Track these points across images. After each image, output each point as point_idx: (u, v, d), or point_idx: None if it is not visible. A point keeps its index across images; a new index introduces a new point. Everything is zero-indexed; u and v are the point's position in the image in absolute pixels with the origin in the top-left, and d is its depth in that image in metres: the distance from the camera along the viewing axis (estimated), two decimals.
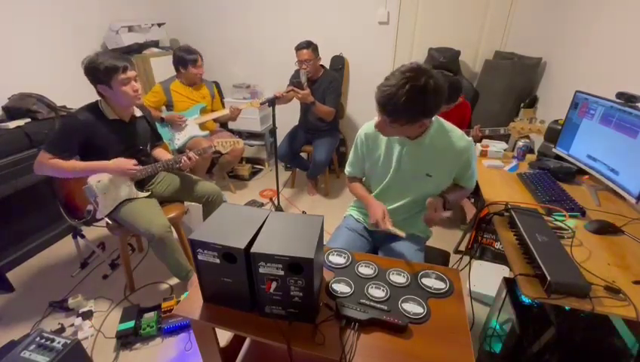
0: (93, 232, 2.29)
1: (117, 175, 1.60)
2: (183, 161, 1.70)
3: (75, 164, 1.52)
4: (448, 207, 1.22)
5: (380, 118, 1.07)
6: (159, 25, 3.11)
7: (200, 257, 0.85)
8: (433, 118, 1.17)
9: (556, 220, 1.15)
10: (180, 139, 2.48)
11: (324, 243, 1.05)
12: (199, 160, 1.76)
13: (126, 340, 1.54)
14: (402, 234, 1.11)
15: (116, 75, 1.46)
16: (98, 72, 1.44)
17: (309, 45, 2.43)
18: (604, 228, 1.15)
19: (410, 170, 1.23)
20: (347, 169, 1.41)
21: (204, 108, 2.59)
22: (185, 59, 2.39)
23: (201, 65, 2.47)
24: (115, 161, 1.56)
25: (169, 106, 2.53)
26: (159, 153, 1.85)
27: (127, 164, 1.58)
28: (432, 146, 1.18)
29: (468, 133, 1.97)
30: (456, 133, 1.19)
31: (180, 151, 2.45)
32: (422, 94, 0.95)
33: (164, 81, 2.51)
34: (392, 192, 1.30)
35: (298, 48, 2.44)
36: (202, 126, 2.58)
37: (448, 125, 1.21)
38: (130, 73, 1.50)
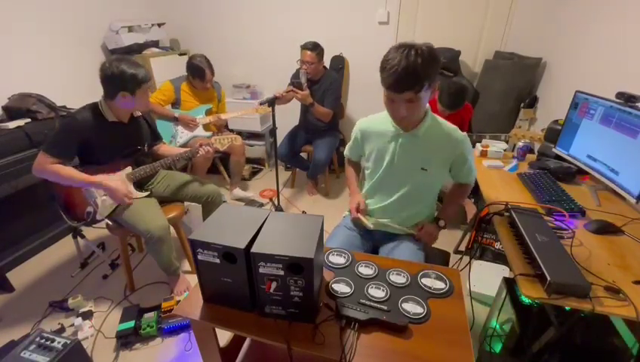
0: (93, 232, 2.29)
1: (110, 195, 1.59)
2: (200, 151, 1.75)
3: (75, 173, 1.49)
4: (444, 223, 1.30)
5: (400, 104, 1.05)
6: (159, 25, 3.10)
7: (200, 257, 0.84)
8: (428, 112, 1.18)
9: (556, 220, 1.15)
10: (182, 137, 2.49)
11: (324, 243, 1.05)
12: (199, 159, 1.76)
13: (126, 340, 1.54)
14: (369, 225, 1.28)
15: (144, 85, 1.52)
16: (128, 81, 1.46)
17: (315, 48, 2.41)
18: (604, 228, 1.15)
19: (405, 164, 1.23)
20: (346, 151, 1.47)
21: (210, 109, 2.62)
22: (194, 71, 2.45)
23: (209, 80, 2.51)
24: (118, 184, 1.56)
25: (175, 105, 2.55)
26: (167, 150, 1.85)
27: (125, 194, 1.58)
28: (427, 139, 1.18)
29: None
30: (449, 126, 1.21)
31: None
32: (429, 51, 0.98)
33: (174, 79, 2.56)
34: (386, 186, 1.31)
35: (304, 47, 2.42)
36: (206, 127, 2.60)
37: (442, 120, 1.22)
38: (150, 83, 1.57)
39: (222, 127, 2.83)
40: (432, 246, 1.44)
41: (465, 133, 1.21)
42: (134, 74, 1.47)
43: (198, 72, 2.44)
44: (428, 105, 1.18)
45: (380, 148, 1.26)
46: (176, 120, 2.47)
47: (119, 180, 1.59)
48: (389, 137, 1.23)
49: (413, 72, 0.96)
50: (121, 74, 1.45)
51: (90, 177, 1.52)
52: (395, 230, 1.34)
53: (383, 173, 1.28)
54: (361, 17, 2.84)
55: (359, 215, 1.30)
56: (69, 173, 1.48)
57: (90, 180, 1.52)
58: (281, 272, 0.79)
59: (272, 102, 2.19)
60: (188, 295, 0.99)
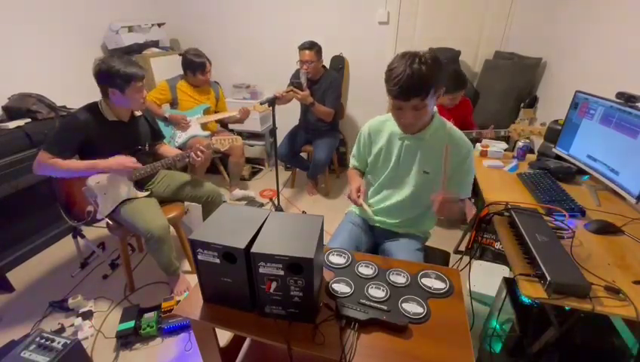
0: (93, 232, 2.29)
1: (117, 172, 1.60)
2: (192, 156, 1.72)
3: (75, 163, 1.51)
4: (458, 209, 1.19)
5: (407, 112, 1.06)
6: (159, 25, 3.11)
7: (200, 257, 0.84)
8: (435, 115, 1.18)
9: (556, 220, 1.15)
10: (180, 137, 2.49)
11: (325, 243, 1.05)
12: (201, 158, 1.76)
13: (126, 340, 1.54)
14: (369, 211, 1.20)
15: (134, 83, 1.49)
16: (116, 77, 1.46)
17: (313, 47, 2.41)
18: (604, 228, 1.14)
19: (409, 166, 1.23)
20: (351, 161, 1.46)
21: (208, 108, 2.61)
22: (193, 65, 2.42)
23: (209, 71, 2.49)
24: (116, 157, 1.56)
25: (173, 104, 2.54)
26: (166, 150, 1.85)
27: (128, 160, 1.58)
28: (432, 142, 1.18)
29: (480, 135, 1.98)
30: (458, 133, 1.19)
31: (180, 149, 2.45)
32: (431, 59, 1.00)
33: (170, 78, 2.54)
34: (391, 187, 1.30)
35: (301, 48, 2.42)
36: (204, 126, 2.59)
37: (450, 125, 1.21)
38: (144, 81, 1.55)
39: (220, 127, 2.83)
40: (432, 246, 1.44)
41: (470, 143, 1.19)
42: (123, 70, 1.46)
43: (200, 65, 2.42)
44: (435, 108, 1.18)
45: (387, 149, 1.27)
46: (166, 120, 2.47)
47: (118, 155, 1.58)
48: (395, 138, 1.24)
49: (419, 80, 0.97)
50: (109, 70, 1.45)
51: (90, 162, 1.52)
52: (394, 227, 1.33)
53: (388, 174, 1.29)
54: (361, 17, 2.84)
55: (361, 200, 1.17)
56: (68, 164, 1.49)
57: (92, 164, 1.52)
58: (281, 272, 0.80)
59: (272, 102, 2.19)
60: (188, 295, 0.99)
